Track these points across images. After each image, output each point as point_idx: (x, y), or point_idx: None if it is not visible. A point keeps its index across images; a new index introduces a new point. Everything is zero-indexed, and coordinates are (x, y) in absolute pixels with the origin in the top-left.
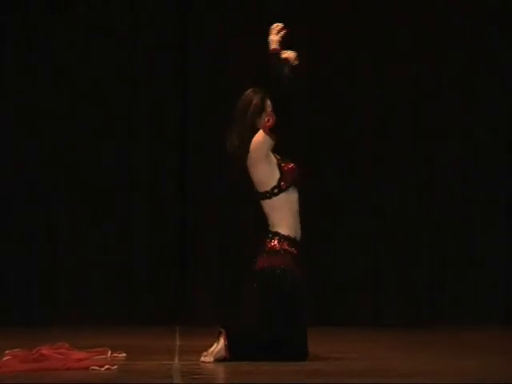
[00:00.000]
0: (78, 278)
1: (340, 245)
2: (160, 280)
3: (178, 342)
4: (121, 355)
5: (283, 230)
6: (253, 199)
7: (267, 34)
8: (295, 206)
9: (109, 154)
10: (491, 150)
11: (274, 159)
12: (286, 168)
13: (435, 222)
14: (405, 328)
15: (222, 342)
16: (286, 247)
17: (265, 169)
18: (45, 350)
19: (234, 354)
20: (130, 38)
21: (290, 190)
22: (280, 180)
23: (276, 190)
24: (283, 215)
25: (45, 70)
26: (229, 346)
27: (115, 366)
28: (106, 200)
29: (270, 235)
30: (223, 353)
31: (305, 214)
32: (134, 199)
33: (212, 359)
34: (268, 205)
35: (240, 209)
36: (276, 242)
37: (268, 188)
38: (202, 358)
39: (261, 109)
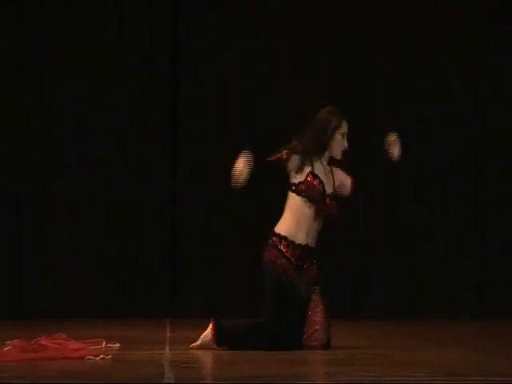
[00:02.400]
0: (74, 274)
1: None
2: (151, 275)
3: (168, 334)
4: (115, 345)
5: (284, 231)
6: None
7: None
8: (310, 220)
9: (101, 148)
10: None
11: (310, 167)
12: (309, 179)
13: (411, 217)
14: (384, 320)
15: (209, 328)
16: (282, 248)
17: (296, 162)
18: (43, 341)
19: (219, 342)
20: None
21: (308, 202)
22: (301, 183)
23: (293, 188)
24: (292, 219)
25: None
26: (215, 335)
27: (109, 356)
28: (99, 195)
29: (272, 234)
30: (210, 339)
31: None
32: (126, 194)
33: (198, 342)
34: (288, 199)
35: (229, 204)
36: (275, 239)
37: (291, 181)
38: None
39: (337, 128)
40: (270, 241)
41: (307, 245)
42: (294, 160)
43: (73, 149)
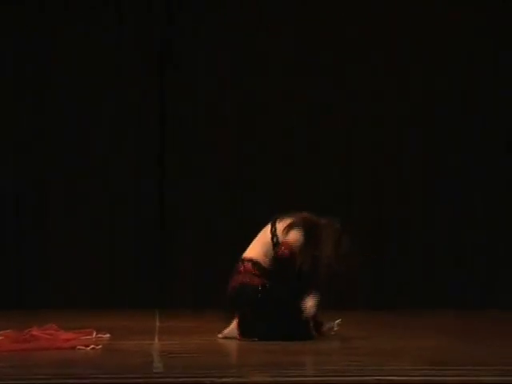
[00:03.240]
0: (63, 263)
1: None
2: (140, 265)
3: (157, 324)
4: (105, 336)
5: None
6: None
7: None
8: None
9: (93, 143)
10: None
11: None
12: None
13: (398, 209)
14: (369, 310)
15: (234, 322)
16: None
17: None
18: (35, 331)
19: (243, 333)
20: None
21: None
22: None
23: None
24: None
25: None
26: (239, 327)
27: (100, 346)
28: (89, 187)
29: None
30: (235, 332)
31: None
32: (116, 185)
33: (221, 336)
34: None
35: (218, 193)
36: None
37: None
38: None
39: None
40: (242, 267)
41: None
42: None
43: (71, 148)
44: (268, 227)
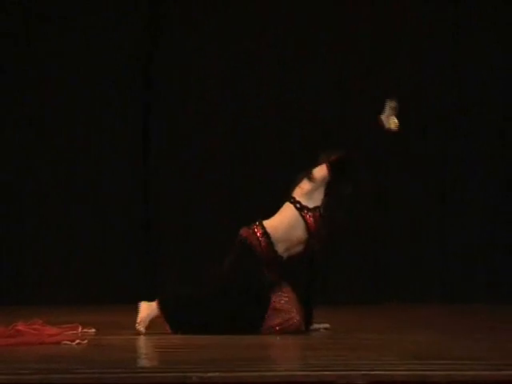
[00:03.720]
0: (50, 259)
1: None
2: (125, 260)
3: None
4: (90, 330)
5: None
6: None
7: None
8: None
9: (80, 140)
10: None
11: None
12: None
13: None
14: (354, 305)
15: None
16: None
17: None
18: (20, 326)
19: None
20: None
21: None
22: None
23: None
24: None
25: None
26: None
27: (85, 341)
28: (77, 185)
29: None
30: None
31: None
32: (101, 183)
33: (143, 328)
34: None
35: (204, 186)
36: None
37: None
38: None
39: None
40: (255, 227)
41: (282, 258)
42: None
43: (52, 136)
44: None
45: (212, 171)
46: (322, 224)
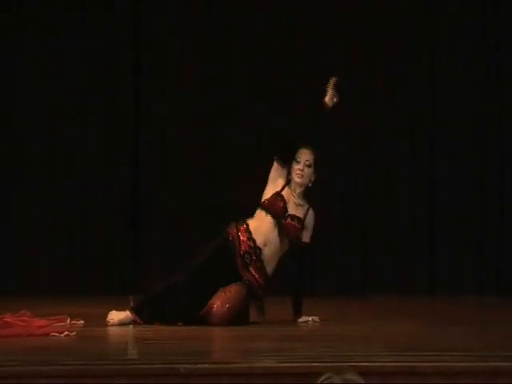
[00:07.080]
0: (36, 250)
1: None
2: (114, 252)
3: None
4: (79, 322)
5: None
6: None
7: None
8: (266, 229)
9: (64, 125)
10: None
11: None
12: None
13: (363, 196)
14: (338, 297)
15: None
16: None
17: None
18: (8, 318)
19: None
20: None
21: (268, 215)
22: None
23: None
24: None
25: None
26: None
27: (74, 333)
28: (63, 175)
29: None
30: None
31: None
32: (88, 172)
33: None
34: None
35: (191, 180)
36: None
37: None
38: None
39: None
40: (240, 225)
41: (261, 251)
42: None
43: (36, 135)
44: None
45: (195, 163)
46: (299, 227)
